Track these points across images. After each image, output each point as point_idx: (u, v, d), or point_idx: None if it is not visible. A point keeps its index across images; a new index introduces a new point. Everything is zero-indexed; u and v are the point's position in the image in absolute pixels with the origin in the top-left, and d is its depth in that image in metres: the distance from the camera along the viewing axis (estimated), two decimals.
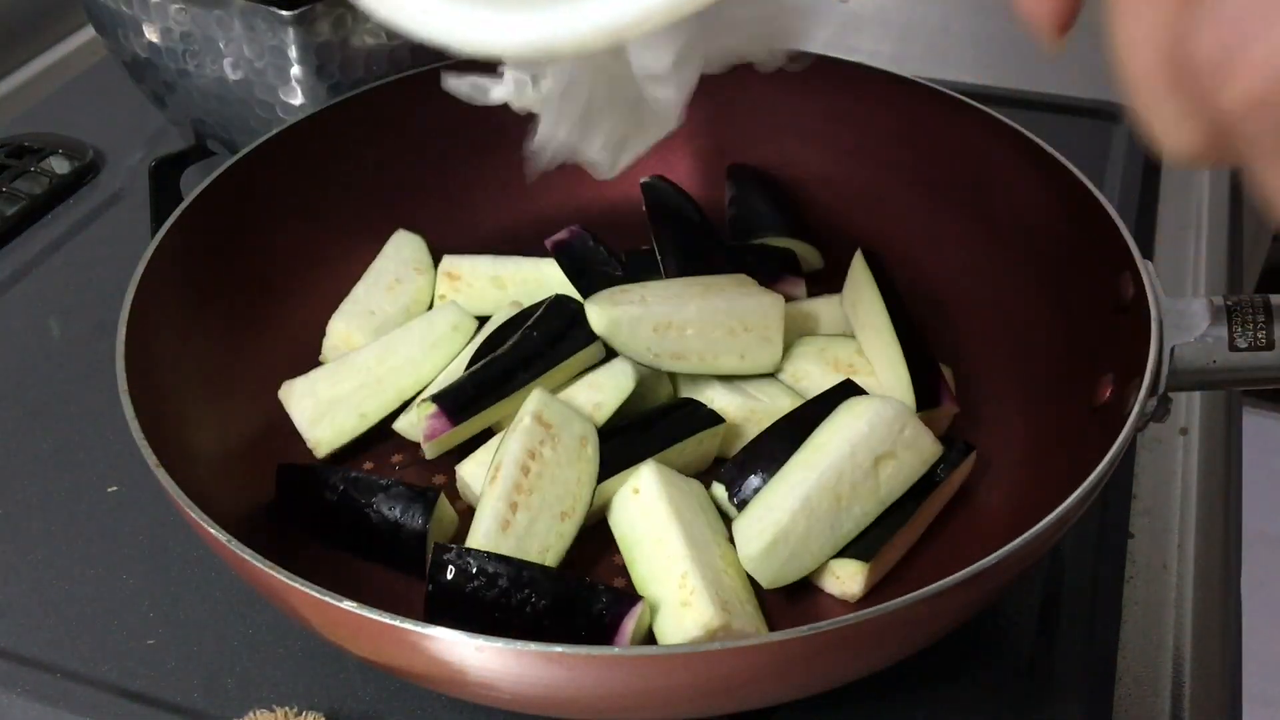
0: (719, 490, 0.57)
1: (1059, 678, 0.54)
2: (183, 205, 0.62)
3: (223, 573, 0.58)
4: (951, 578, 0.43)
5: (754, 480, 0.56)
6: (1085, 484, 0.47)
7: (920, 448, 0.55)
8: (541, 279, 0.69)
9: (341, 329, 0.66)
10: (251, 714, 0.51)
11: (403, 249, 0.71)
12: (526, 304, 0.65)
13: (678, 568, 0.52)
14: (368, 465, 0.62)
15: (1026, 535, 0.45)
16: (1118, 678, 0.55)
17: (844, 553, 0.54)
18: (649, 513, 0.54)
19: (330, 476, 0.57)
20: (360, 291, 0.68)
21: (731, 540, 0.55)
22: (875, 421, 0.55)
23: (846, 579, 0.54)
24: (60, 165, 0.86)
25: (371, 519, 0.55)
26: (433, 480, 0.61)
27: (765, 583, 0.53)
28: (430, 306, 0.69)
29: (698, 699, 0.45)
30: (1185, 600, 0.59)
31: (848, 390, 0.59)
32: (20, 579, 0.59)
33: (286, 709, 0.51)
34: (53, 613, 0.57)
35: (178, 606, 0.57)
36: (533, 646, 0.41)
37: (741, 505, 0.56)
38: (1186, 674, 0.55)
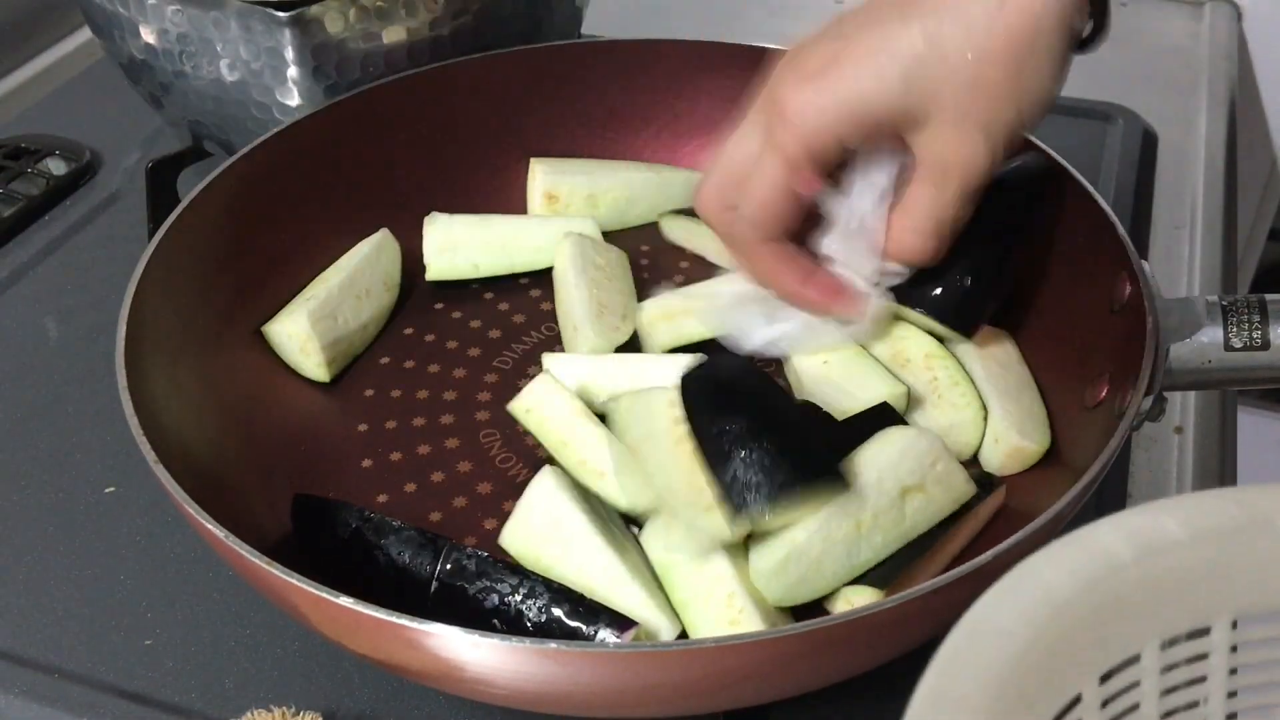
0: None
1: None
2: (182, 204, 0.62)
3: (221, 573, 0.59)
4: (946, 575, 0.43)
5: None
6: (1080, 483, 0.47)
7: (952, 485, 0.54)
8: (630, 194, 0.74)
9: (304, 327, 0.63)
10: (249, 714, 0.51)
11: (381, 257, 0.69)
12: (613, 221, 0.74)
13: (723, 588, 0.51)
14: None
15: (1020, 534, 0.45)
16: None
17: (859, 580, 0.52)
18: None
19: (344, 513, 0.54)
20: (335, 290, 0.66)
21: None
22: (907, 451, 0.53)
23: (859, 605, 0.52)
24: (57, 166, 0.86)
25: (379, 560, 0.52)
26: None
27: (773, 600, 0.51)
28: (385, 324, 0.69)
29: (693, 696, 0.46)
30: None
31: (884, 414, 0.57)
32: (17, 579, 0.59)
33: (284, 709, 0.52)
34: (50, 613, 0.57)
35: (175, 607, 0.57)
36: (528, 643, 0.41)
37: None
38: None
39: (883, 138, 0.55)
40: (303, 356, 0.64)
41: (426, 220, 0.71)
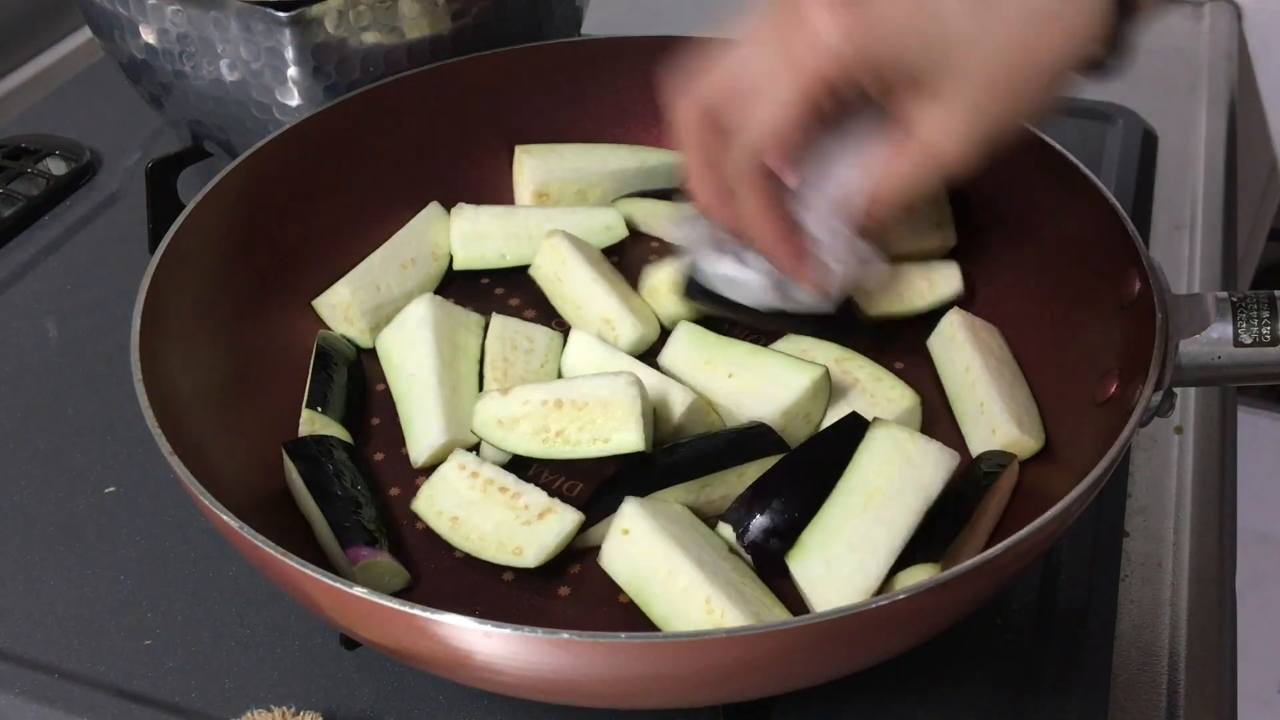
0: (726, 530, 0.55)
1: (1055, 676, 0.54)
2: (197, 198, 0.62)
3: (220, 573, 0.59)
4: (958, 568, 0.43)
5: (761, 520, 0.54)
6: (1090, 477, 0.47)
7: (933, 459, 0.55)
8: (618, 185, 0.75)
9: (345, 296, 0.67)
10: (249, 714, 0.51)
11: (430, 227, 0.72)
12: (604, 206, 0.74)
13: (699, 594, 0.50)
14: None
15: (1030, 527, 0.45)
16: (1113, 675, 0.55)
17: (913, 561, 0.52)
18: (648, 550, 0.52)
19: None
20: (376, 260, 0.69)
21: (733, 551, 0.54)
22: (889, 455, 0.55)
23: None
24: (57, 166, 0.86)
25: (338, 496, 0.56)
26: None
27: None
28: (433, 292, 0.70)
29: (700, 686, 0.46)
30: (1180, 598, 0.59)
31: (856, 422, 0.58)
32: (18, 580, 0.59)
33: (284, 709, 0.52)
34: (50, 613, 0.57)
35: (175, 607, 0.58)
36: (539, 633, 0.41)
37: (750, 547, 0.54)
38: (1181, 672, 0.55)
39: (866, 98, 0.51)
40: (347, 324, 0.67)
41: (454, 211, 0.72)
